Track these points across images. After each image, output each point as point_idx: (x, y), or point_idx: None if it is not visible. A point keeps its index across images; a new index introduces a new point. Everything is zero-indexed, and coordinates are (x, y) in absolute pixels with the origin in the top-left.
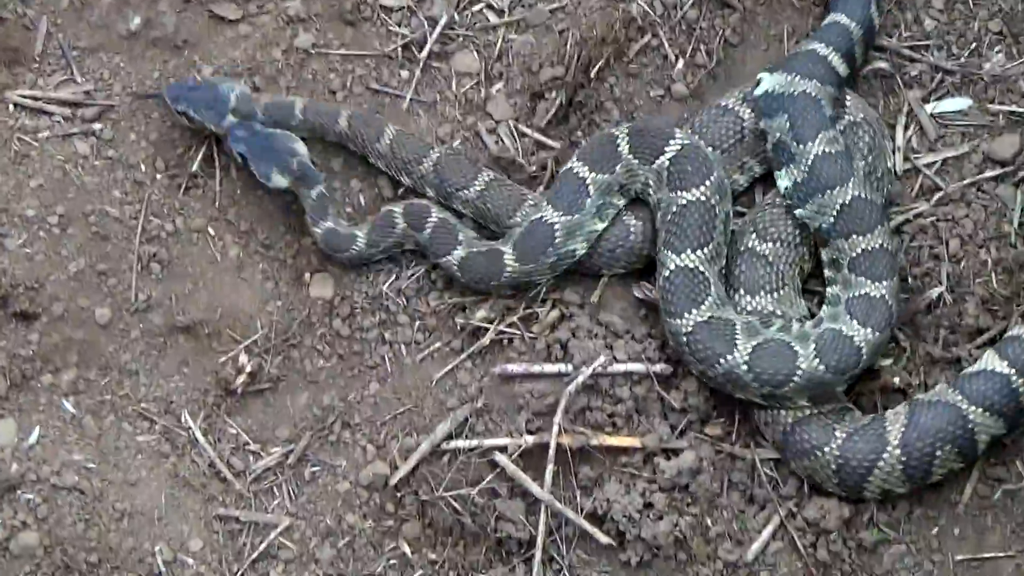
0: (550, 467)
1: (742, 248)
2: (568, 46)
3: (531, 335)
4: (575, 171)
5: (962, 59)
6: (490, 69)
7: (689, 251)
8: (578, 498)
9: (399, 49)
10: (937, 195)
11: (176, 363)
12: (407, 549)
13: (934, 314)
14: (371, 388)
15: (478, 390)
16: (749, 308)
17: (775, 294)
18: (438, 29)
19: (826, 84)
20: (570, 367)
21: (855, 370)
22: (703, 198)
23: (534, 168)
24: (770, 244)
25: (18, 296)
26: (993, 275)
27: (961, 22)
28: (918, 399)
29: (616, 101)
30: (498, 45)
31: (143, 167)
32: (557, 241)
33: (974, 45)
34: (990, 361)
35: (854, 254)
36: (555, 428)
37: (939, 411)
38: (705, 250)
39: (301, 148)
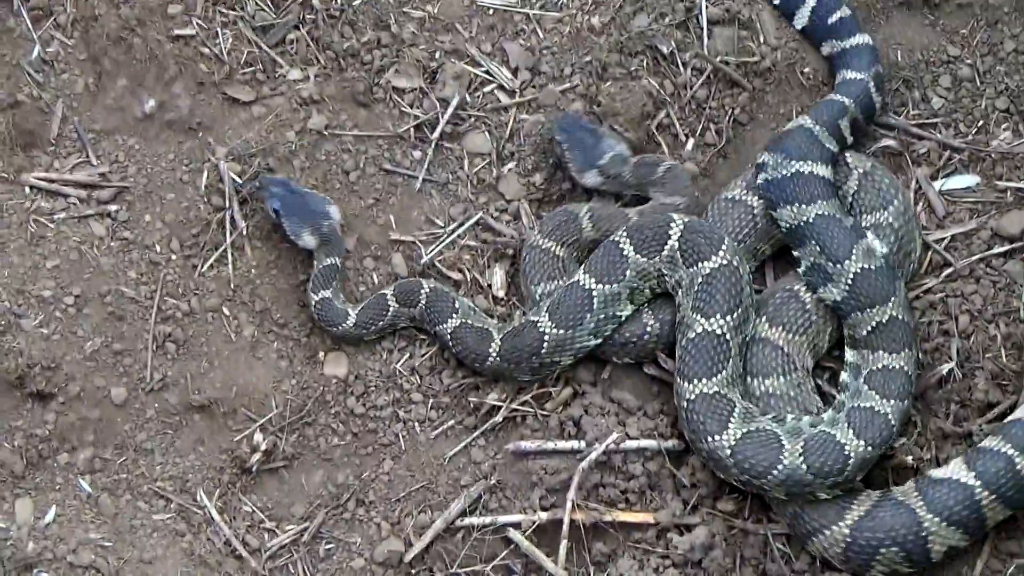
0: (564, 543)
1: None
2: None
3: (544, 412)
4: (581, 283)
5: (969, 136)
6: (501, 149)
7: (719, 316)
8: (592, 574)
9: (411, 130)
10: (947, 271)
11: (191, 442)
12: None
13: (944, 389)
14: (385, 466)
15: (492, 467)
16: (760, 391)
17: (786, 377)
18: (450, 110)
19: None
20: (583, 444)
21: (838, 477)
22: (724, 262)
23: None
24: (780, 330)
25: (35, 376)
26: (1003, 350)
27: (968, 100)
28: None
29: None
30: (509, 125)
31: (158, 248)
32: (544, 352)
33: (981, 123)
34: (956, 470)
35: (875, 368)
36: (568, 504)
37: (895, 512)
38: (733, 316)
39: (335, 213)
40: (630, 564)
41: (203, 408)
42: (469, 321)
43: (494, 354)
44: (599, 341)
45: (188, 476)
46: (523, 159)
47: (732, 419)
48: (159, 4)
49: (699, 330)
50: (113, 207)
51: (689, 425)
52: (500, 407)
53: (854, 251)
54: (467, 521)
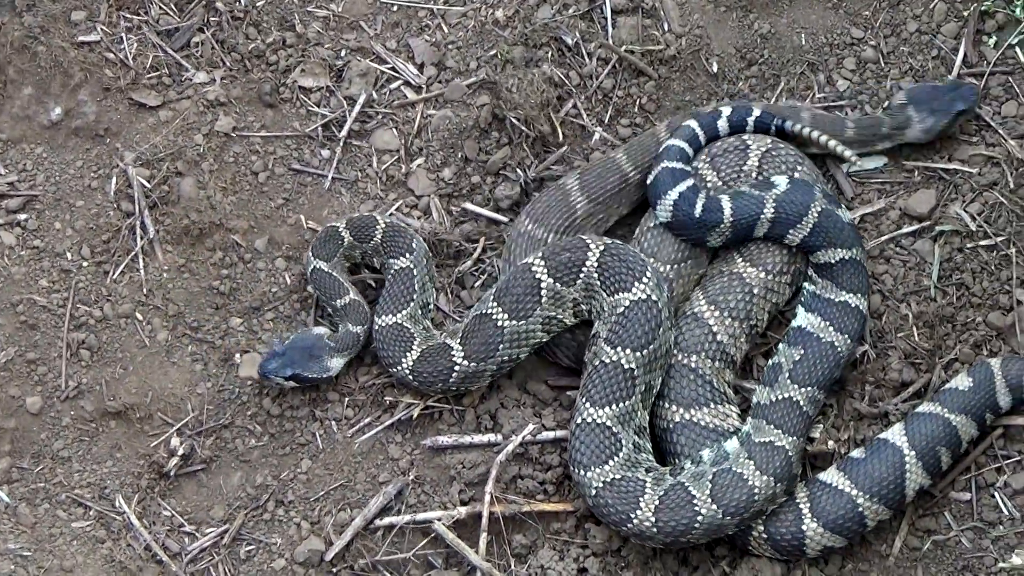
0: (484, 536)
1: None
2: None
3: (460, 408)
4: (494, 317)
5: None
6: (410, 145)
7: (630, 350)
8: (512, 566)
9: (319, 129)
10: None
11: (108, 448)
12: None
13: (859, 370)
14: (303, 465)
15: (409, 463)
16: (678, 419)
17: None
18: (357, 108)
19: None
20: (499, 437)
21: (744, 514)
22: (643, 296)
23: (459, 242)
24: (694, 356)
25: None
26: (915, 329)
27: (873, 81)
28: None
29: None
30: (417, 121)
31: (69, 255)
32: (451, 380)
33: (887, 103)
34: (832, 477)
35: (768, 401)
36: (487, 497)
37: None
38: (643, 352)
39: (321, 331)
40: (550, 555)
41: (119, 414)
42: (399, 320)
43: (406, 367)
44: (513, 365)
45: (106, 482)
46: (432, 155)
47: (613, 459)
48: (62, 11)
49: (607, 360)
50: (22, 216)
51: (570, 452)
52: (416, 404)
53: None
54: (387, 519)
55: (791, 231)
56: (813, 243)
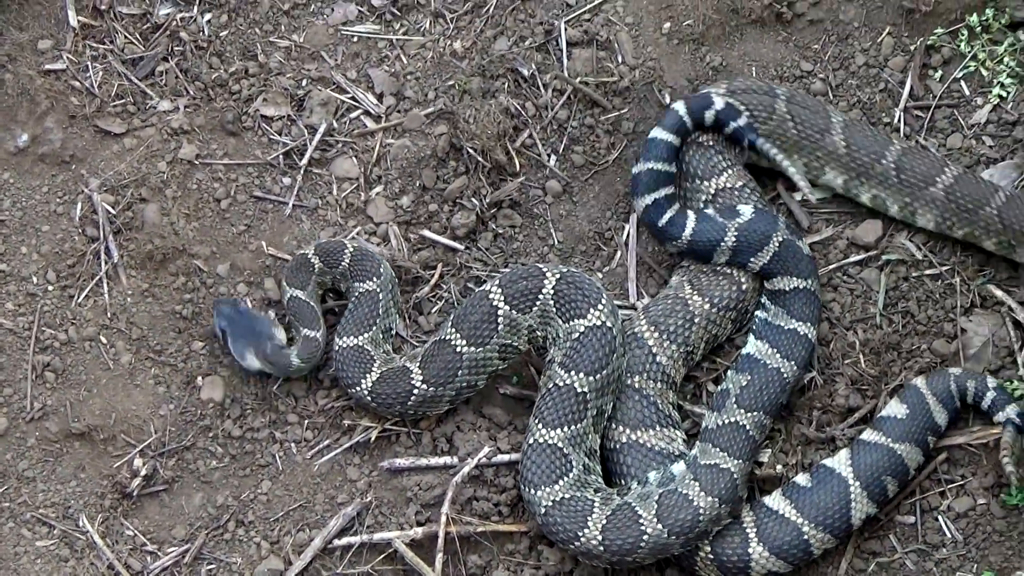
0: (439, 556)
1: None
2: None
3: (416, 431)
4: (452, 343)
5: None
6: (369, 173)
7: (583, 375)
8: None
9: (280, 157)
10: None
11: (72, 468)
12: None
13: (807, 396)
14: (263, 486)
15: (367, 485)
16: (625, 440)
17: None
18: (317, 136)
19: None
20: (455, 459)
21: (689, 534)
22: (599, 323)
23: (418, 268)
24: (637, 377)
25: None
26: (861, 356)
27: None
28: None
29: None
30: (376, 150)
31: (35, 279)
32: (409, 404)
33: None
34: (779, 504)
35: (715, 425)
36: (443, 518)
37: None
38: (596, 377)
39: (280, 335)
40: (504, 575)
41: (83, 435)
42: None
43: (365, 389)
44: (471, 393)
45: (70, 502)
46: (390, 183)
47: (563, 479)
48: (29, 40)
49: (560, 383)
50: None
51: (521, 471)
52: (374, 427)
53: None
54: (345, 540)
55: (752, 259)
56: (772, 270)
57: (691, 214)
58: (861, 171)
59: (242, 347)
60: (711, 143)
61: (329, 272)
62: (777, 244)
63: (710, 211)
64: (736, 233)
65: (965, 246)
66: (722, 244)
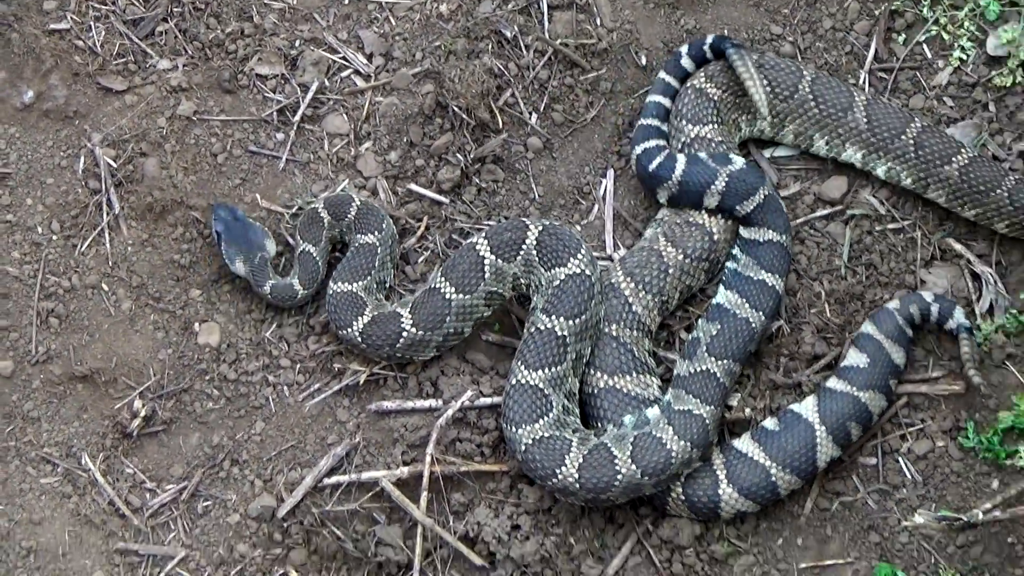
0: (424, 494)
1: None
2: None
3: (403, 375)
4: (441, 290)
5: None
6: (359, 130)
7: (563, 319)
8: (451, 522)
9: (274, 114)
10: None
11: (75, 410)
12: (294, 575)
13: (774, 343)
14: (257, 427)
15: (356, 426)
16: (602, 385)
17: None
18: (310, 94)
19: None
20: (440, 402)
21: (661, 475)
22: (578, 271)
23: (405, 220)
24: (614, 325)
25: None
26: (827, 306)
27: None
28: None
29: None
30: (365, 107)
31: (40, 229)
32: (398, 346)
33: None
34: (748, 447)
35: (687, 372)
36: (428, 458)
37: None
38: (575, 321)
39: (270, 247)
40: (486, 513)
41: (85, 378)
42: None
43: (356, 331)
44: (458, 340)
45: (73, 442)
46: (379, 139)
47: (543, 418)
48: (35, 0)
49: (542, 327)
50: None
51: (503, 411)
52: (363, 371)
53: None
54: (335, 478)
55: (739, 205)
56: (754, 219)
57: (680, 157)
58: (880, 147)
59: (233, 253)
60: (712, 92)
61: (337, 225)
62: (763, 196)
63: (703, 155)
64: (727, 179)
65: (926, 202)
66: (712, 187)
